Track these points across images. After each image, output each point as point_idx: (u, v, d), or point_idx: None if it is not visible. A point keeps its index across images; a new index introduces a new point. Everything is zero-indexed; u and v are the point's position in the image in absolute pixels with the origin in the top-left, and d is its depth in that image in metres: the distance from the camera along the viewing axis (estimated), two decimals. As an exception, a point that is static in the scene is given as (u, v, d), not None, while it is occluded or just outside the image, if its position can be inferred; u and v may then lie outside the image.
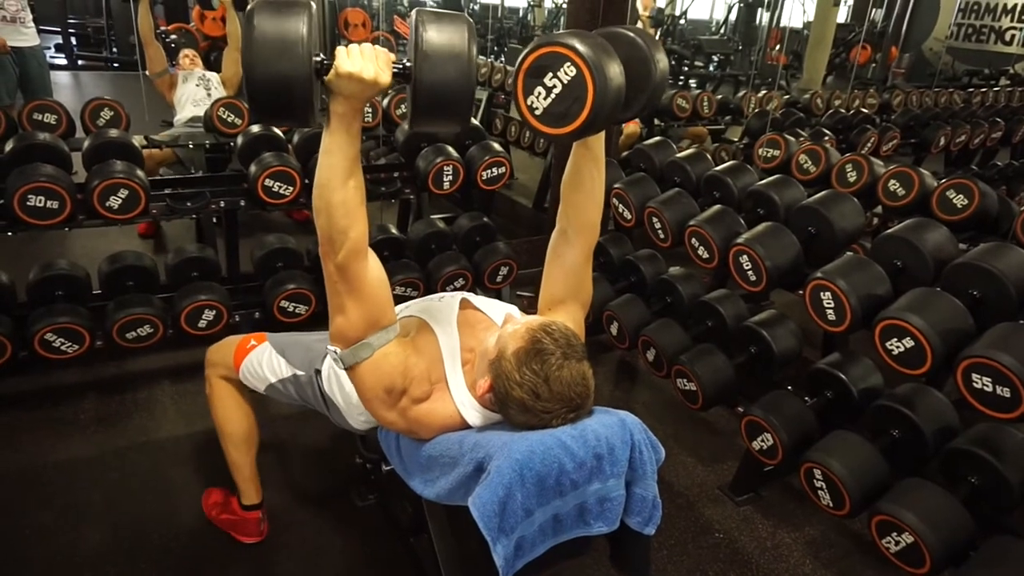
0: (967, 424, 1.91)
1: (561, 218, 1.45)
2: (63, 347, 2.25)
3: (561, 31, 1.14)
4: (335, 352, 1.30)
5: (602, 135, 1.36)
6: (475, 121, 3.19)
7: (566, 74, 1.10)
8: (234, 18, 4.05)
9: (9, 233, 2.26)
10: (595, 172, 1.40)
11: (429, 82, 1.09)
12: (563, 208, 1.45)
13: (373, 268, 1.27)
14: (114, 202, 2.27)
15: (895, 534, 1.71)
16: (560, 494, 1.19)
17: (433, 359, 1.34)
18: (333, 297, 1.28)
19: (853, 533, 2.11)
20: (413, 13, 1.13)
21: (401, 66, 1.13)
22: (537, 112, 1.15)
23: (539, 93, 1.13)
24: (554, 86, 1.12)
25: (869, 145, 4.27)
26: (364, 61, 1.10)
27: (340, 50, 1.10)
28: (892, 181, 2.72)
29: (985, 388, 1.65)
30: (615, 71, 1.12)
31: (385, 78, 1.12)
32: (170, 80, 3.88)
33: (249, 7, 1.07)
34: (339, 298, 1.26)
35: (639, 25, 5.44)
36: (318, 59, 1.09)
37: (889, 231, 2.15)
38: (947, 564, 1.68)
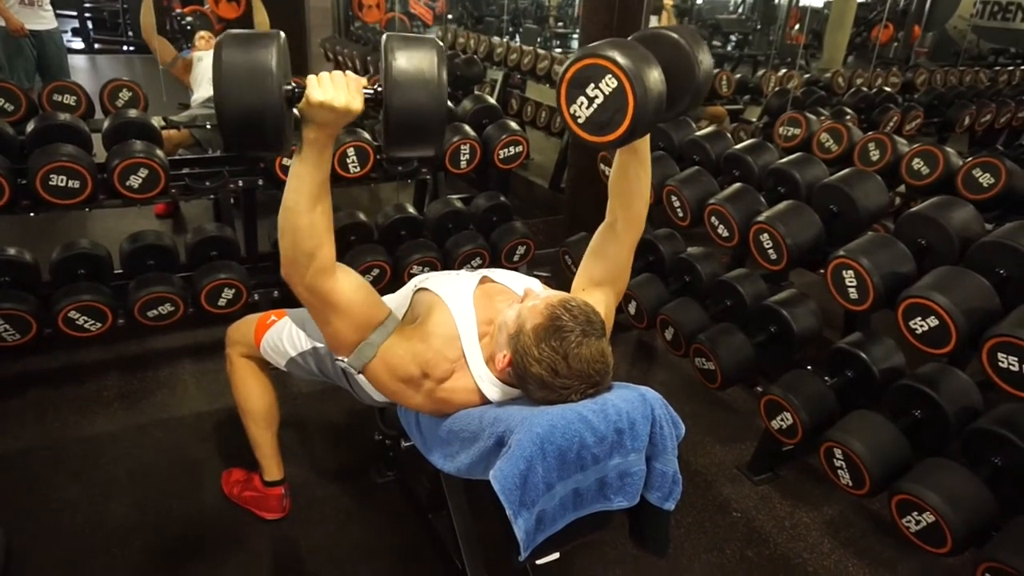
0: (991, 405, 1.88)
1: (610, 212, 1.49)
2: (86, 325, 2.28)
3: (601, 41, 1.19)
4: (342, 361, 1.33)
5: (647, 137, 1.36)
6: (492, 100, 3.16)
7: (607, 85, 1.14)
8: (261, 8, 4.07)
9: (32, 214, 2.29)
10: (641, 172, 1.42)
11: (400, 108, 1.10)
12: (611, 204, 1.48)
13: (343, 280, 1.27)
14: (134, 181, 2.29)
15: (916, 513, 1.70)
16: (581, 468, 1.19)
17: (449, 336, 1.34)
18: (311, 313, 1.30)
19: (872, 513, 2.10)
20: (383, 39, 1.13)
21: (372, 92, 1.13)
22: (580, 121, 1.19)
23: (581, 103, 1.17)
24: (596, 96, 1.15)
25: (892, 124, 4.20)
26: (335, 90, 1.10)
27: (311, 78, 1.11)
28: (916, 159, 2.67)
29: (1012, 367, 1.62)
30: (655, 79, 1.14)
31: (357, 105, 1.12)
32: (184, 64, 3.89)
33: (217, 40, 1.08)
34: (317, 313, 1.29)
35: (663, 14, 5.33)
36: (289, 88, 1.09)
37: (914, 209, 2.12)
38: (969, 544, 1.67)
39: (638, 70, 1.12)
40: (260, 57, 1.05)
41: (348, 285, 1.27)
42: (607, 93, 1.14)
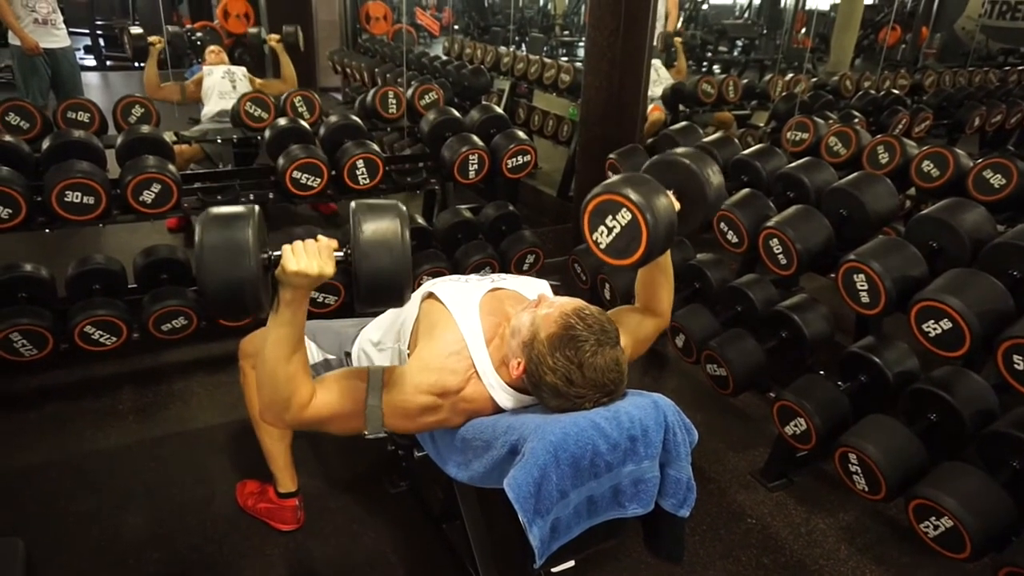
0: (1007, 408, 1.87)
1: (637, 302, 1.61)
2: (102, 339, 2.31)
3: (618, 177, 1.35)
4: (366, 435, 1.37)
5: (667, 251, 1.49)
6: (499, 110, 3.18)
7: (623, 217, 1.32)
8: (288, 63, 4.19)
9: (47, 230, 2.32)
10: (663, 280, 1.55)
11: (368, 273, 1.19)
12: (638, 299, 1.61)
13: (321, 399, 1.30)
14: (147, 196, 2.32)
15: (934, 518, 1.69)
16: (595, 476, 1.19)
17: (455, 350, 1.35)
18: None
19: (889, 519, 2.09)
20: (351, 207, 1.23)
21: (343, 255, 1.21)
22: (602, 246, 1.38)
23: (602, 231, 1.36)
24: (614, 227, 1.34)
25: (901, 127, 4.18)
26: (308, 258, 1.17)
27: (286, 249, 1.18)
28: (926, 162, 2.66)
29: (1027, 369, 1.61)
30: (666, 209, 1.32)
31: (329, 271, 1.19)
32: (195, 83, 3.93)
33: (199, 221, 1.15)
34: (313, 428, 1.34)
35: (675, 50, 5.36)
36: (266, 256, 1.17)
37: (924, 212, 2.11)
38: (988, 549, 1.65)
39: (649, 204, 1.29)
40: (238, 236, 1.13)
41: (325, 400, 1.30)
42: (623, 224, 1.32)
